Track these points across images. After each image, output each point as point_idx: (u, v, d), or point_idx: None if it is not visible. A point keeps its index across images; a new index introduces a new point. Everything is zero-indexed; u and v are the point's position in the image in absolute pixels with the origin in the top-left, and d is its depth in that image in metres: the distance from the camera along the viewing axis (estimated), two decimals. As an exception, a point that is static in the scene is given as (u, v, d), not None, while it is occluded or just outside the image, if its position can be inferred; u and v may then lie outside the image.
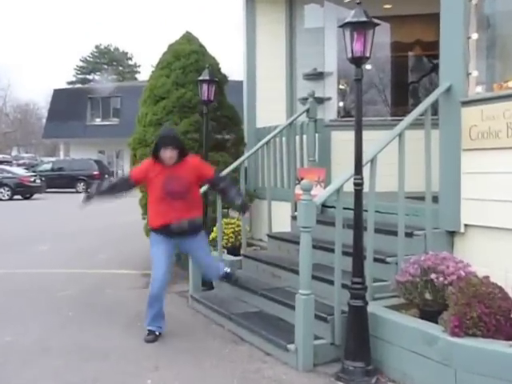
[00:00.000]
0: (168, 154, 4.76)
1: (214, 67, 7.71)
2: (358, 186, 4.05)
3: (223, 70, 8.25)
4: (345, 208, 4.27)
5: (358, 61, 3.99)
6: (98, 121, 40.46)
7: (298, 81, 8.10)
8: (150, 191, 4.95)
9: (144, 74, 55.53)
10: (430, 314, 3.91)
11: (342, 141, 6.68)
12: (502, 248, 4.40)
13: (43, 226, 13.68)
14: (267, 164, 7.10)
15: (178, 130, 7.38)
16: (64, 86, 51.67)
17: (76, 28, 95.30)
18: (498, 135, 4.39)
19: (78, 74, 61.98)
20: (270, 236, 6.50)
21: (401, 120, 4.74)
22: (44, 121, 46.72)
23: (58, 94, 41.34)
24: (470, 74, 4.79)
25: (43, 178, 27.19)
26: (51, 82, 77.60)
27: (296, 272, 4.50)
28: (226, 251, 6.84)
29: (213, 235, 6.87)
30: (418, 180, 4.77)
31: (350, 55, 3.99)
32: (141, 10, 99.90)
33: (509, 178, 4.32)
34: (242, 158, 6.77)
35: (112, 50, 62.70)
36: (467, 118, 4.66)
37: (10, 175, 25.66)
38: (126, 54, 63.32)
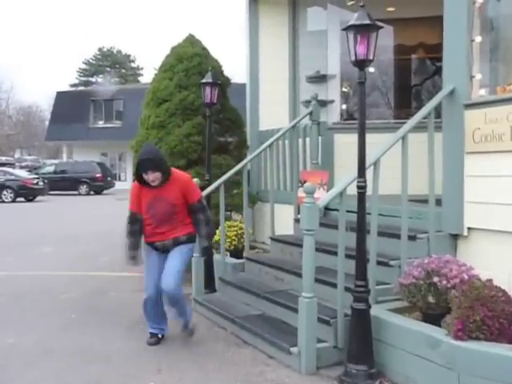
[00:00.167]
0: (150, 178, 4.60)
1: (217, 70, 7.73)
2: (361, 188, 4.05)
3: (226, 73, 8.26)
4: (348, 211, 4.27)
5: (361, 63, 4.00)
6: (100, 123, 40.54)
7: (301, 83, 8.11)
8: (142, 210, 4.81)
9: (147, 77, 55.58)
10: (433, 317, 3.91)
11: (345, 144, 6.68)
12: (506, 251, 4.39)
13: (46, 229, 13.71)
14: (270, 167, 7.11)
15: (180, 132, 7.43)
16: (67, 88, 51.79)
17: (79, 31, 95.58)
18: (501, 138, 4.39)
19: (80, 76, 62.11)
20: (272, 239, 6.50)
21: (404, 123, 4.74)
22: (47, 123, 46.84)
23: (60, 96, 41.44)
24: (474, 76, 4.79)
25: (46, 181, 27.25)
26: (54, 85, 77.73)
27: (299, 275, 4.50)
28: (228, 254, 6.84)
29: (216, 238, 6.87)
30: (422, 183, 4.77)
31: (353, 58, 4.00)
32: (144, 13, 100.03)
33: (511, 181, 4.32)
34: (244, 161, 6.77)
35: (115, 52, 62.84)
36: (470, 120, 4.66)
37: (12, 177, 25.73)
38: (129, 56, 63.46)
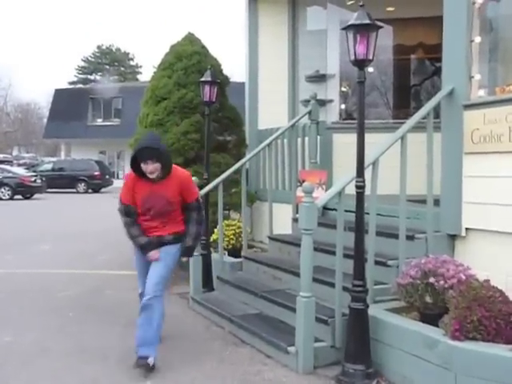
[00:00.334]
0: (149, 168, 4.21)
1: (216, 68, 7.73)
2: (360, 188, 4.05)
3: (225, 72, 8.27)
4: (346, 210, 4.28)
5: (360, 63, 4.00)
6: (99, 121, 40.52)
7: (301, 83, 8.11)
8: (136, 203, 4.44)
9: (145, 75, 55.65)
10: (431, 317, 3.92)
11: (344, 143, 6.69)
12: (503, 252, 4.40)
13: (44, 227, 13.70)
14: (269, 166, 7.11)
15: (178, 130, 7.42)
16: (65, 86, 51.74)
17: (78, 28, 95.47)
18: (500, 139, 4.40)
19: (79, 74, 62.06)
20: (270, 238, 6.51)
21: (403, 123, 4.75)
22: (45, 121, 46.78)
23: (59, 93, 41.40)
24: (473, 77, 4.80)
25: (44, 178, 27.25)
26: (52, 82, 77.75)
27: (297, 274, 4.51)
28: (226, 253, 6.85)
29: (214, 237, 6.89)
30: (420, 183, 4.78)
31: (352, 57, 4.00)
32: (143, 11, 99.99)
33: (509, 182, 4.33)
34: (243, 160, 6.78)
35: (114, 50, 62.78)
36: (469, 121, 4.67)
37: (10, 175, 25.71)
38: (128, 54, 63.42)
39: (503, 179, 4.39)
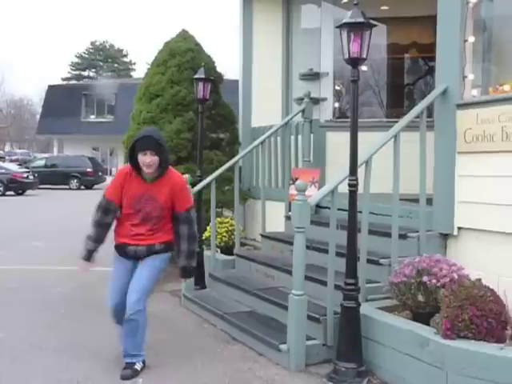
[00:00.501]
0: (147, 160, 3.93)
1: (210, 66, 7.72)
2: (353, 187, 4.05)
3: (219, 69, 8.24)
4: (339, 209, 4.28)
5: (354, 61, 3.99)
6: (92, 117, 40.41)
7: (294, 81, 8.10)
8: (122, 203, 4.12)
9: (139, 72, 55.46)
10: (423, 316, 3.93)
11: (337, 142, 6.68)
12: (495, 251, 4.41)
13: (36, 223, 13.63)
14: (262, 164, 7.10)
15: (170, 128, 7.39)
16: (59, 82, 51.53)
17: (72, 24, 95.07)
18: (492, 139, 4.40)
19: (72, 70, 61.83)
20: (263, 236, 6.50)
21: (396, 122, 4.75)
22: (38, 117, 46.58)
23: (52, 89, 41.24)
24: (466, 77, 4.81)
25: (36, 174, 27.08)
26: (46, 78, 77.31)
27: (289, 272, 4.51)
28: (219, 250, 6.84)
29: (206, 234, 6.87)
30: (413, 182, 4.78)
31: (346, 56, 4.00)
32: (137, 8, 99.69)
33: (502, 181, 4.34)
34: (236, 157, 6.76)
35: (107, 46, 62.57)
36: (462, 121, 4.67)
37: (2, 171, 25.50)
38: (122, 51, 63.21)
39: (496, 179, 4.40)
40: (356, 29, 3.92)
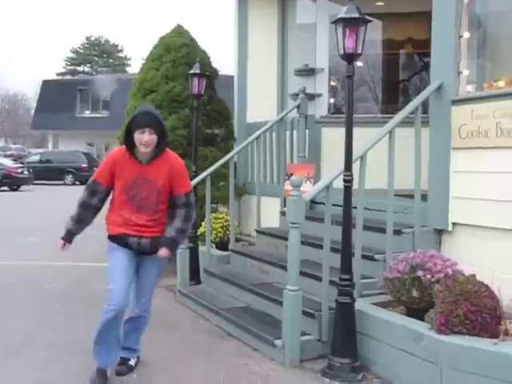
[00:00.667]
0: (145, 138, 3.59)
1: (205, 61, 7.69)
2: (348, 182, 4.04)
3: (214, 65, 8.22)
4: (334, 204, 4.27)
5: (349, 57, 3.98)
6: (87, 113, 40.25)
7: (289, 76, 8.08)
8: (115, 188, 3.78)
9: (134, 67, 55.27)
10: (417, 311, 3.93)
11: (333, 137, 6.66)
12: (489, 247, 4.43)
13: (31, 218, 13.59)
14: (257, 159, 7.09)
15: (166, 125, 7.35)
16: (53, 77, 51.32)
17: (67, 19, 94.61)
18: (487, 134, 4.41)
19: (67, 65, 61.57)
20: (258, 231, 6.50)
21: (391, 117, 4.75)
22: (32, 112, 46.38)
23: (47, 84, 41.02)
24: (461, 72, 4.81)
25: (31, 170, 26.97)
26: (40, 73, 77.08)
27: (284, 268, 4.50)
28: (214, 246, 6.84)
29: (201, 230, 6.86)
30: (408, 178, 4.78)
31: (341, 51, 3.98)
32: (132, 3, 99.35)
33: (496, 177, 4.35)
34: (231, 153, 6.75)
35: (103, 42, 62.33)
36: (457, 116, 4.68)
37: (-3, 166, 25.44)
38: (117, 46, 62.98)
39: (490, 174, 4.41)
40: (351, 24, 3.91)
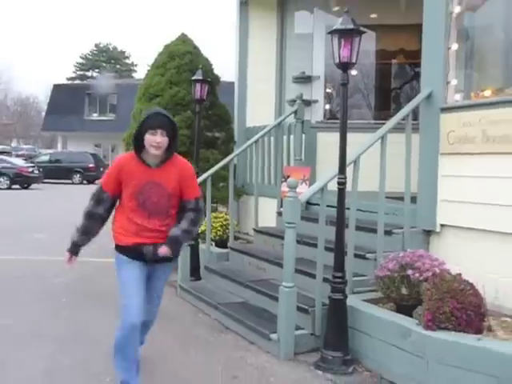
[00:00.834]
0: (158, 139, 3.27)
1: (207, 68, 7.69)
2: (342, 185, 4.05)
3: (216, 71, 8.22)
4: (328, 206, 4.27)
5: (344, 66, 3.99)
6: (95, 116, 40.20)
7: (287, 83, 8.09)
8: (124, 195, 3.44)
9: (140, 73, 55.27)
10: (406, 308, 3.93)
11: (327, 142, 6.67)
12: (474, 247, 4.43)
13: (40, 215, 13.59)
14: (255, 162, 7.10)
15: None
16: (64, 81, 51.30)
17: (77, 26, 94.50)
18: (473, 141, 4.41)
19: (77, 70, 61.54)
20: (256, 230, 6.50)
21: (383, 124, 4.75)
22: (43, 114, 46.34)
23: (57, 88, 41.03)
24: (450, 82, 4.82)
25: (41, 169, 26.96)
26: (51, 78, 76.91)
27: (280, 265, 4.50)
28: (214, 244, 6.83)
29: (202, 228, 6.85)
30: (398, 181, 4.79)
31: (337, 60, 3.99)
32: (139, 11, 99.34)
33: (481, 181, 4.35)
34: (231, 156, 6.75)
35: (111, 48, 62.34)
36: (446, 123, 4.68)
37: (9, 165, 25.39)
38: (124, 53, 62.98)
39: (475, 179, 4.41)
40: (346, 35, 3.92)
